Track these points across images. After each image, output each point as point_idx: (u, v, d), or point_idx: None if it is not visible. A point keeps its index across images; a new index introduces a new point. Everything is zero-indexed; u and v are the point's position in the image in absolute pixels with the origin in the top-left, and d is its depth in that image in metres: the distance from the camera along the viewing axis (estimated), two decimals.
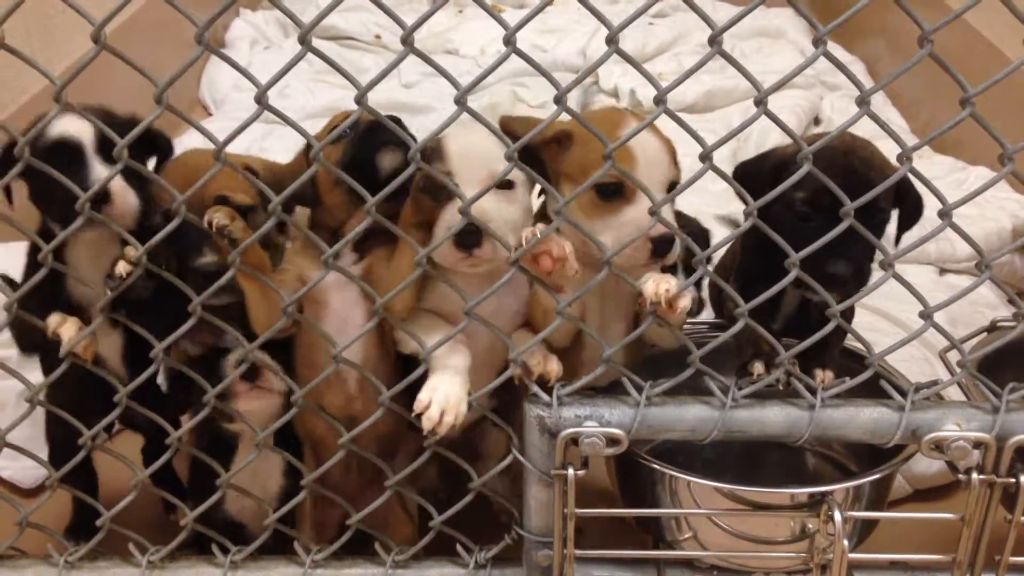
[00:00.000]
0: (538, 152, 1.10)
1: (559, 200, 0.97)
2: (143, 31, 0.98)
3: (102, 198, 1.05)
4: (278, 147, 2.47)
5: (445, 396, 1.03)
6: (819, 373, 1.16)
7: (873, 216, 1.06)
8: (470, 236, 1.00)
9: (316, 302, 1.16)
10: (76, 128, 1.09)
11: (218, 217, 1.05)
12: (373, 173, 1.07)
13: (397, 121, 1.00)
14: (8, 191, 1.12)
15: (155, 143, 1.20)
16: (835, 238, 0.97)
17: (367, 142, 1.09)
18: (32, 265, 1.17)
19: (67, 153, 1.06)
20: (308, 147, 1.08)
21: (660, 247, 1.04)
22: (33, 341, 1.21)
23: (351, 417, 1.15)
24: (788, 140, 1.01)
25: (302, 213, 1.20)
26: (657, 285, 1.03)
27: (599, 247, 0.99)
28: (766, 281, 1.00)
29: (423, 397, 1.03)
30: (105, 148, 1.08)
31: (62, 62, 2.03)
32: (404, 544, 1.18)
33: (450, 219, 1.04)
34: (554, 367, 1.06)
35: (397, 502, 1.27)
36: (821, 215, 1.08)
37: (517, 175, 1.07)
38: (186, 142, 2.61)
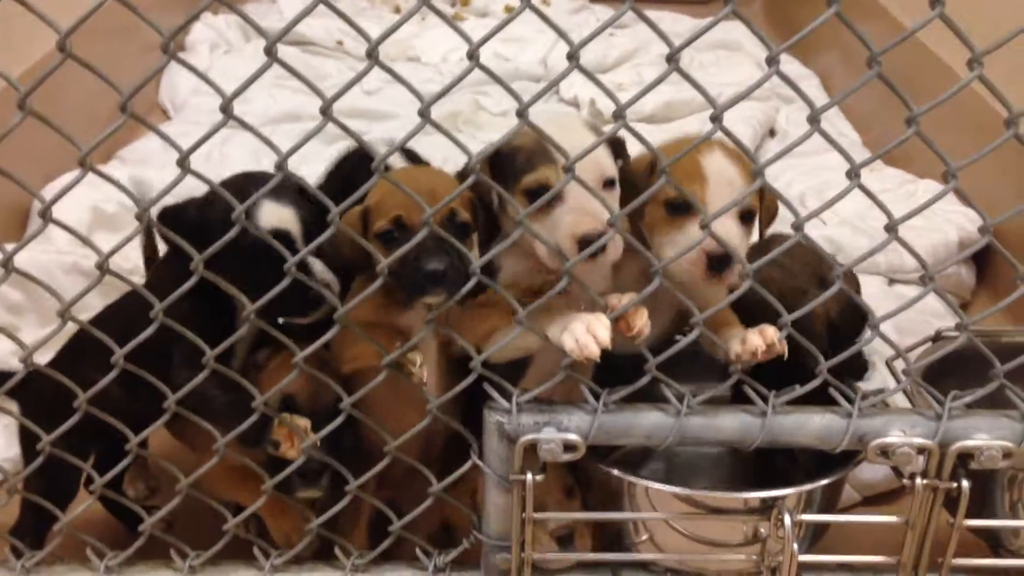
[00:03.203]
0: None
1: (520, 211, 0.99)
2: (103, 36, 0.98)
3: (318, 299, 1.08)
4: (239, 152, 2.45)
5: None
6: None
7: None
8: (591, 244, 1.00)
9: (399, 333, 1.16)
10: (286, 218, 1.12)
11: None
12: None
13: None
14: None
15: None
16: None
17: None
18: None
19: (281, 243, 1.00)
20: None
21: (715, 263, 1.05)
22: None
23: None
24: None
25: None
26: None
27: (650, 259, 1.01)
28: None
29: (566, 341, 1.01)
30: (308, 235, 1.10)
31: (20, 66, 2.00)
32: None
33: (568, 223, 1.04)
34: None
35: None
36: None
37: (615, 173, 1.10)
38: (146, 147, 2.59)
